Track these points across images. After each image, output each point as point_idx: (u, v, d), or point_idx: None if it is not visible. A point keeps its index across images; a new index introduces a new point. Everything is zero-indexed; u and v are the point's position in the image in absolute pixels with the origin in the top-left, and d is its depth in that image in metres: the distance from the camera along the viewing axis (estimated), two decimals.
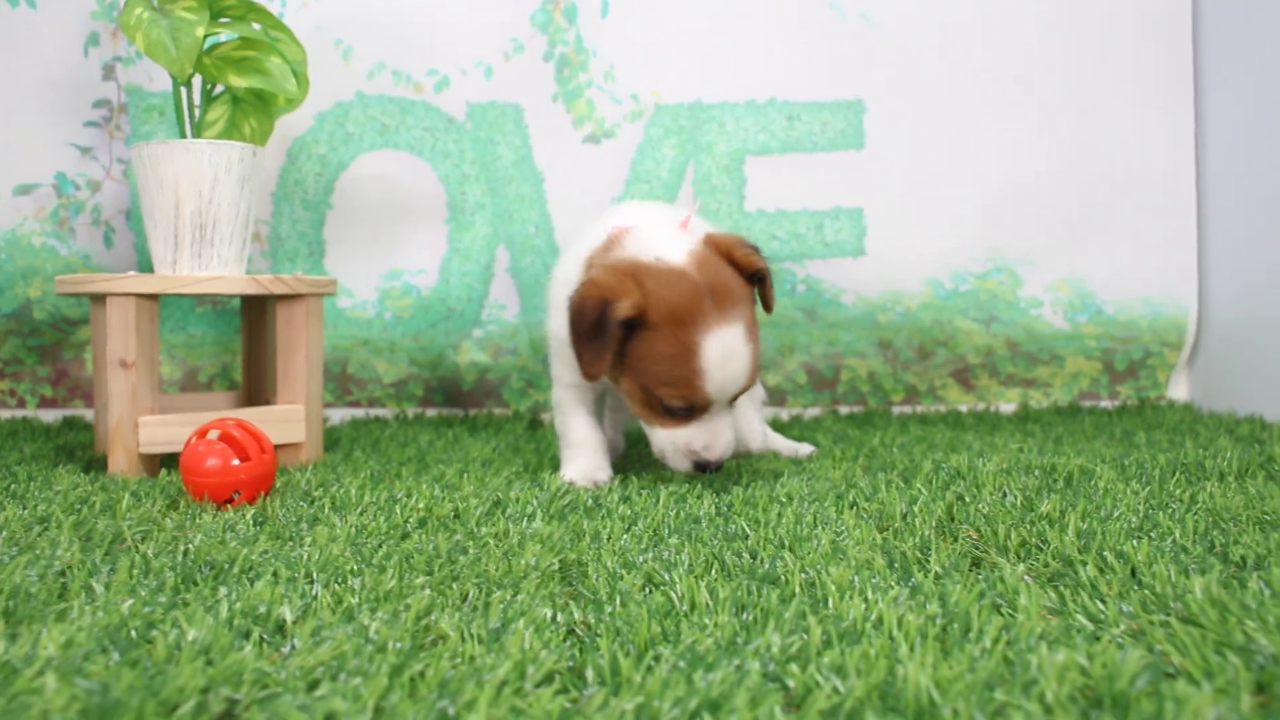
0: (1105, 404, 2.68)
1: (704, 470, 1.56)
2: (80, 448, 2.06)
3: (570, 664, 0.84)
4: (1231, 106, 2.51)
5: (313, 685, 0.79)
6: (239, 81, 1.95)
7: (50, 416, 2.48)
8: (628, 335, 1.49)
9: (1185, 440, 2.04)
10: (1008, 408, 2.67)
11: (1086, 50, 2.58)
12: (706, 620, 0.93)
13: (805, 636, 0.86)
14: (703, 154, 2.51)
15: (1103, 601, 0.97)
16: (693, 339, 1.46)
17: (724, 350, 1.48)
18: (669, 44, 2.53)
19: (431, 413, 2.58)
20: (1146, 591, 1.00)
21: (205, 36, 1.90)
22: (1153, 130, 2.59)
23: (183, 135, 1.99)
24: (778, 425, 2.31)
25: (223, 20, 1.99)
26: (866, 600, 0.97)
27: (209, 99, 2.02)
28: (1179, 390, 2.71)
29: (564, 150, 2.52)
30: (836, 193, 2.55)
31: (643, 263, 1.51)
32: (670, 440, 1.56)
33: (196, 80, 2.04)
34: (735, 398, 1.56)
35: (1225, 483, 1.58)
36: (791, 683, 0.79)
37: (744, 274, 1.56)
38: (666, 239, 1.55)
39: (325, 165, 2.47)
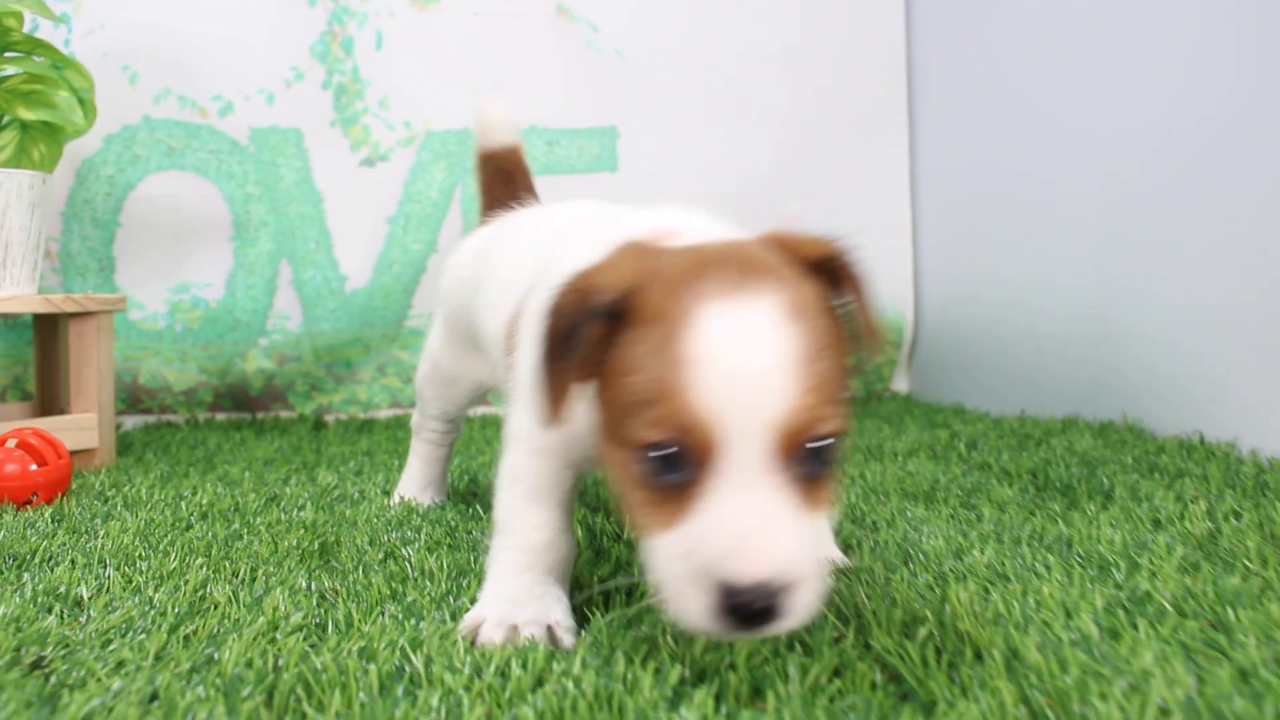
0: None
1: (742, 620, 0.81)
2: None
3: (317, 621, 1.08)
4: (940, 138, 2.90)
5: (106, 643, 1.01)
6: (28, 115, 2.11)
7: None
8: (605, 345, 0.89)
9: (884, 428, 2.39)
10: None
11: (819, 87, 2.93)
12: (428, 583, 1.18)
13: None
14: (470, 176, 2.75)
15: None
16: (681, 315, 0.84)
17: (737, 331, 0.84)
18: (438, 75, 2.77)
19: (221, 417, 2.76)
20: None
21: None
22: (872, 157, 2.96)
23: None
24: None
25: (9, 55, 2.14)
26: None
27: None
28: (900, 383, 3.08)
29: (342, 172, 2.73)
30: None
31: (656, 248, 0.95)
32: (667, 553, 0.85)
33: None
34: (793, 445, 0.84)
35: (895, 460, 1.92)
36: None
37: (807, 263, 0.93)
38: (719, 230, 1.06)
39: (114, 185, 2.62)
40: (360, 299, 2.72)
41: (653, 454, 0.84)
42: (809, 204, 2.92)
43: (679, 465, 0.83)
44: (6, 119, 2.18)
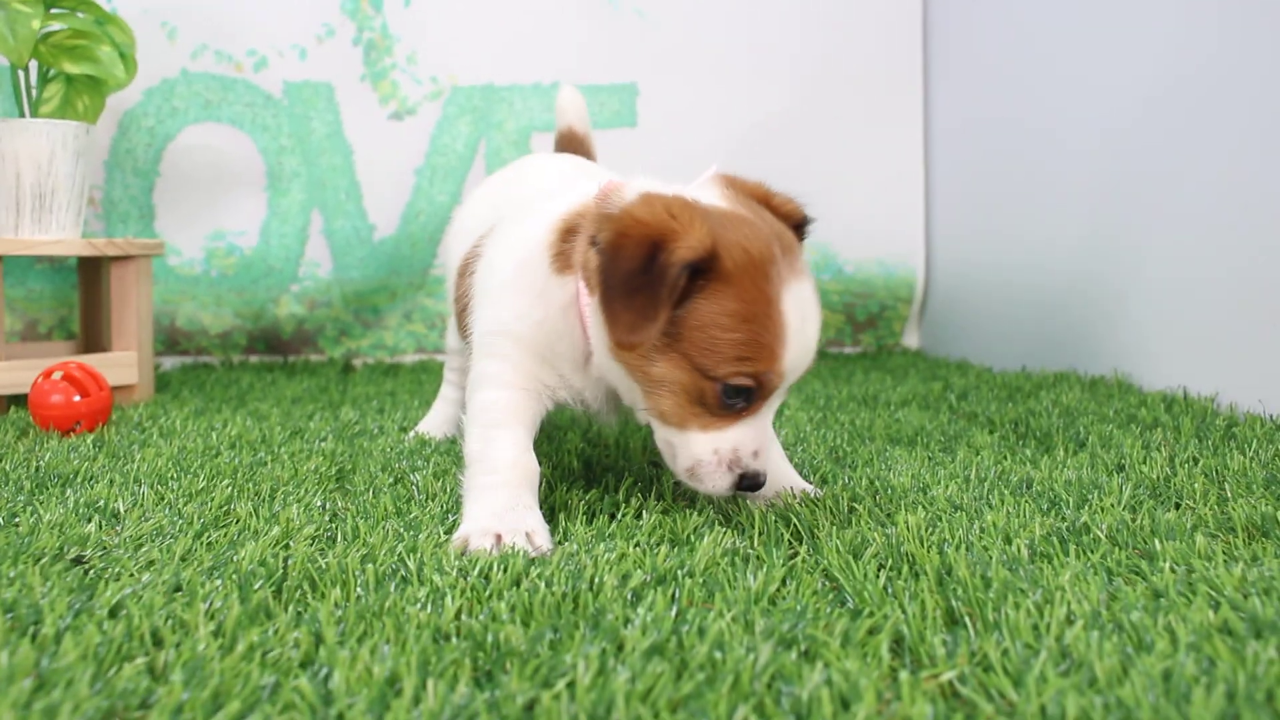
0: (850, 350, 3.12)
1: (747, 488, 1.21)
2: None
3: (328, 533, 1.19)
4: (954, 101, 2.96)
5: (139, 546, 1.13)
6: (73, 68, 2.22)
7: None
8: (684, 293, 1.15)
9: (886, 379, 2.48)
10: None
11: (836, 44, 3.00)
12: (431, 503, 1.29)
13: None
14: (494, 130, 2.86)
15: None
16: (774, 293, 1.14)
17: (802, 309, 1.17)
18: (464, 32, 2.87)
19: (254, 359, 2.88)
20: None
21: (39, 27, 2.15)
22: (885, 120, 3.03)
23: (21, 114, 2.24)
24: None
25: (55, 11, 2.25)
26: None
27: (45, 79, 2.28)
28: (911, 339, 3.17)
29: (371, 126, 2.84)
30: (611, 167, 2.92)
31: (689, 200, 1.19)
32: (712, 447, 1.19)
33: (33, 64, 2.30)
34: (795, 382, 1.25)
35: (888, 409, 2.02)
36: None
37: (792, 224, 1.28)
38: (685, 187, 1.27)
39: (154, 136, 2.74)
40: (388, 248, 2.83)
41: (732, 386, 1.16)
42: (826, 162, 2.99)
43: (743, 397, 1.17)
44: (52, 73, 2.29)
